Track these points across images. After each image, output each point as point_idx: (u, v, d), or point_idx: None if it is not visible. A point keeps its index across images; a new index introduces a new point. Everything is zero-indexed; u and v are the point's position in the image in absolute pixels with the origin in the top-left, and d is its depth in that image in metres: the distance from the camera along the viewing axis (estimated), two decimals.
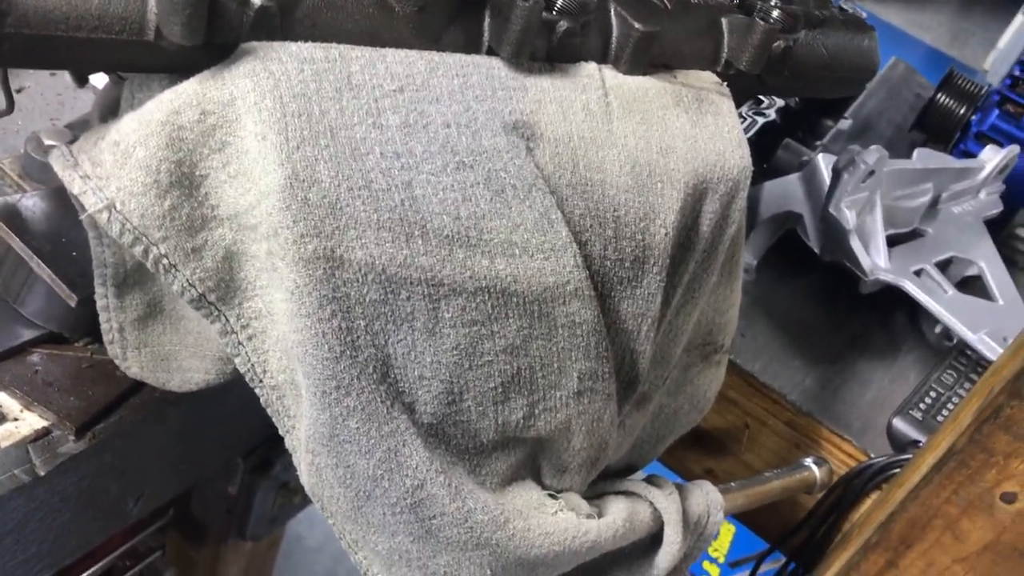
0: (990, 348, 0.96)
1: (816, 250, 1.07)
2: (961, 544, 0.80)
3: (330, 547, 2.12)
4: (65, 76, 1.15)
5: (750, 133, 1.22)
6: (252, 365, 0.62)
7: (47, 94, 1.11)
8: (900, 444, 0.97)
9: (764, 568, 1.15)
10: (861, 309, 1.14)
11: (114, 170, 0.55)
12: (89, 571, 1.04)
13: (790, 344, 1.11)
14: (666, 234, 0.65)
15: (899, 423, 0.97)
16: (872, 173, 0.97)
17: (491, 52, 0.65)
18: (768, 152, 1.21)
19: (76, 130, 0.99)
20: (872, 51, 0.79)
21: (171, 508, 1.12)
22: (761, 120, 1.25)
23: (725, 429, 1.07)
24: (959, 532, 0.80)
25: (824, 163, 1.04)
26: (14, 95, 0.89)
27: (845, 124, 1.28)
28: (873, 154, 0.94)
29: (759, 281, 1.15)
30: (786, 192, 1.10)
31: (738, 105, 0.77)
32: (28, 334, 0.80)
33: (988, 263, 1.09)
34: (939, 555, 0.82)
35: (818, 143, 1.23)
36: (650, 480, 0.78)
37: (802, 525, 1.02)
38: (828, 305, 1.16)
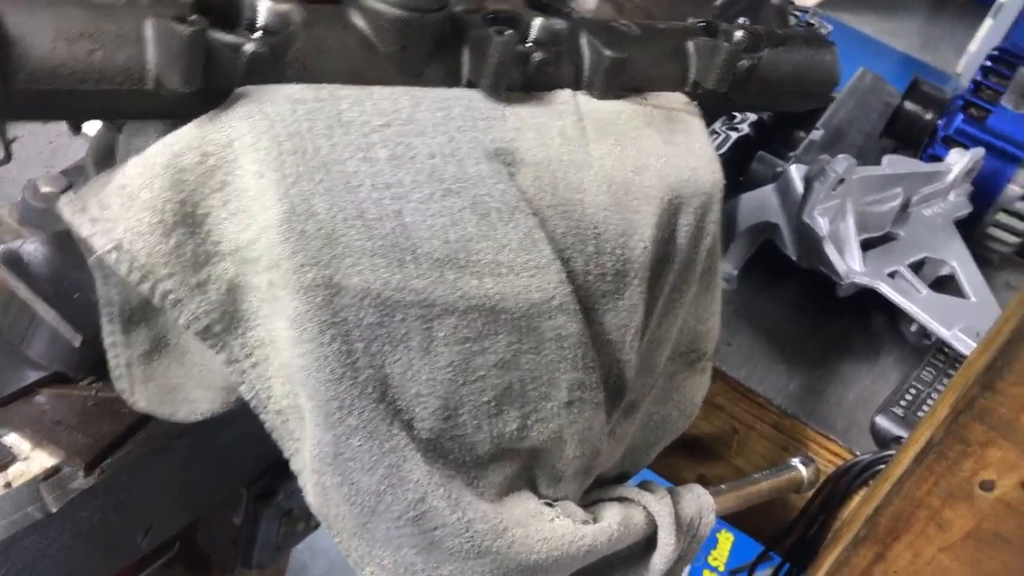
0: (964, 344, 1.00)
1: (793, 258, 1.10)
2: (945, 533, 0.83)
3: None
4: (57, 124, 1.18)
5: (725, 147, 1.26)
6: (257, 391, 0.64)
7: (40, 142, 1.14)
8: (884, 441, 1.00)
9: (763, 573, 1.17)
10: (841, 312, 1.18)
11: (121, 212, 0.58)
12: None
13: (774, 350, 1.14)
14: (645, 248, 0.69)
15: (882, 420, 1.00)
16: (842, 181, 1.01)
17: (471, 84, 0.68)
18: (743, 165, 1.24)
19: (71, 176, 1.02)
20: (833, 65, 0.83)
21: (177, 542, 1.14)
22: (735, 135, 1.29)
23: (714, 435, 1.10)
24: (942, 522, 0.82)
25: (796, 173, 1.07)
26: (9, 145, 0.92)
27: (817, 135, 1.32)
28: (842, 163, 0.98)
29: (741, 290, 1.18)
30: (762, 203, 1.13)
31: (709, 122, 0.81)
32: (34, 375, 0.82)
33: (960, 262, 1.13)
34: (925, 545, 0.85)
35: (791, 154, 1.27)
36: (643, 486, 0.81)
37: (794, 525, 1.05)
38: (809, 310, 1.19)
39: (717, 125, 1.26)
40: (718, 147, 1.21)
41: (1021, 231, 1.23)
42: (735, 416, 1.09)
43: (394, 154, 0.61)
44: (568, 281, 0.65)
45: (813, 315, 1.18)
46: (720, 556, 1.99)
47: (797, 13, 1.54)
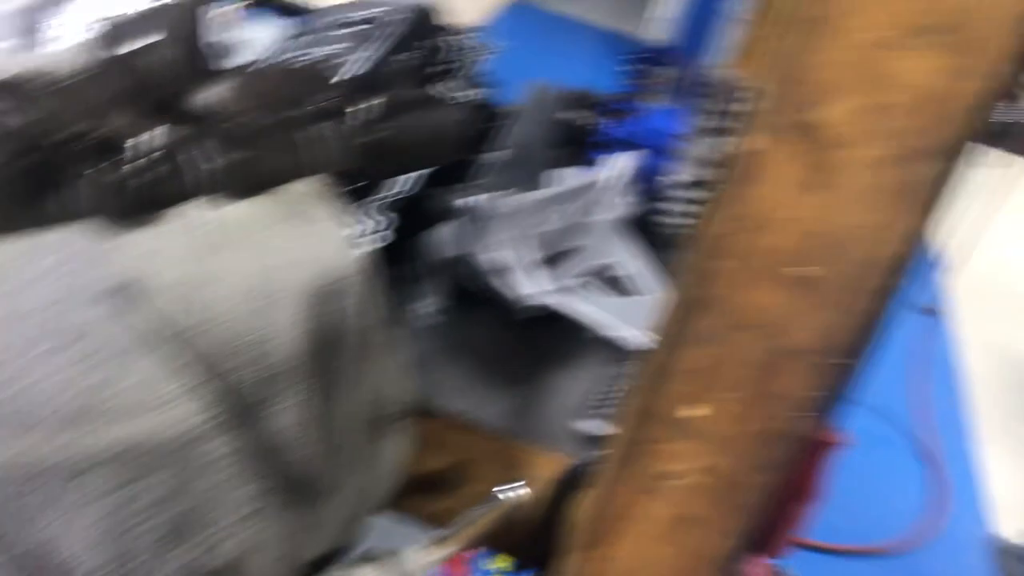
0: (641, 343, 1.08)
1: (481, 287, 1.15)
2: (652, 523, 0.90)
3: None
4: None
5: (407, 187, 1.29)
6: None
7: None
8: (591, 442, 1.07)
9: None
10: (543, 327, 1.24)
11: None
12: None
13: (489, 375, 1.19)
14: (295, 346, 0.70)
15: (584, 424, 1.07)
16: (507, 213, 1.07)
17: (86, 218, 0.66)
18: (428, 202, 1.28)
19: None
20: (458, 123, 0.87)
21: None
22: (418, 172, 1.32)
23: (443, 471, 1.13)
24: (648, 514, 0.89)
25: (469, 208, 1.12)
26: None
27: (494, 158, 1.38)
28: (500, 198, 1.04)
29: (450, 323, 1.22)
30: (448, 238, 1.18)
31: (361, 194, 0.83)
32: None
33: (631, 262, 1.22)
34: (640, 538, 0.91)
35: (471, 184, 1.32)
36: (364, 556, 0.83)
37: (534, 537, 1.10)
38: (515, 329, 1.25)
39: None
40: (397, 191, 1.24)
41: (683, 213, 1.34)
42: (460, 449, 1.13)
43: (2, 316, 0.59)
44: (215, 402, 0.65)
45: (520, 334, 1.24)
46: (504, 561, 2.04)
47: (466, 41, 1.59)
